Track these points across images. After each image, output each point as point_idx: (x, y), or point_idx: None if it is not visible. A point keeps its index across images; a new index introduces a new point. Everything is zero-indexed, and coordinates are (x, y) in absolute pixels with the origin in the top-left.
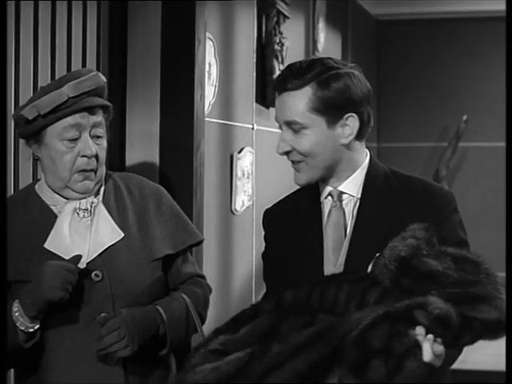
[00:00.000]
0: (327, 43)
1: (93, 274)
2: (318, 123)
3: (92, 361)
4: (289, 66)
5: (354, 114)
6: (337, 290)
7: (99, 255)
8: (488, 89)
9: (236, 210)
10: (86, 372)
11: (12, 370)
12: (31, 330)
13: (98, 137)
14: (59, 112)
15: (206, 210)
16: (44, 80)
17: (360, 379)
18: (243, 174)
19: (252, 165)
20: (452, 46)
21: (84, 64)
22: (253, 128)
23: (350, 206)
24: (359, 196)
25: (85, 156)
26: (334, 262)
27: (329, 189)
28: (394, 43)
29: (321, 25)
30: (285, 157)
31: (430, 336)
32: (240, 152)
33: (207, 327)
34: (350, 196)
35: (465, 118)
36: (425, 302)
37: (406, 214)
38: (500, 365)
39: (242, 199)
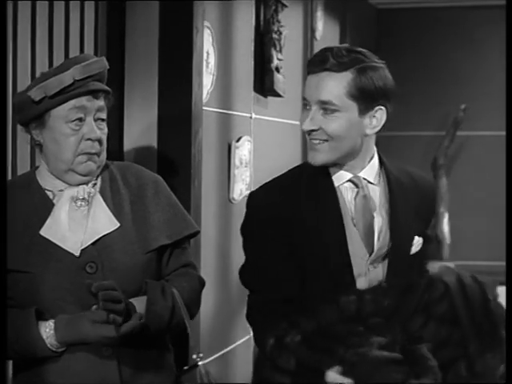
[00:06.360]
0: (325, 32)
1: (87, 266)
2: (351, 109)
3: (88, 350)
4: (327, 49)
5: (383, 107)
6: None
7: (93, 244)
8: (489, 77)
9: (234, 198)
10: (82, 360)
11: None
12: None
13: (102, 120)
14: (66, 94)
15: (204, 198)
16: None
17: None
18: (241, 163)
19: (250, 154)
20: (453, 35)
21: (82, 49)
22: (251, 117)
23: (374, 192)
24: (376, 183)
25: (89, 139)
26: (367, 247)
27: (347, 175)
28: (393, 31)
29: (319, 13)
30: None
31: None
32: (238, 141)
33: (207, 315)
34: (369, 183)
35: (463, 106)
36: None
37: (417, 199)
38: None
39: (240, 188)
